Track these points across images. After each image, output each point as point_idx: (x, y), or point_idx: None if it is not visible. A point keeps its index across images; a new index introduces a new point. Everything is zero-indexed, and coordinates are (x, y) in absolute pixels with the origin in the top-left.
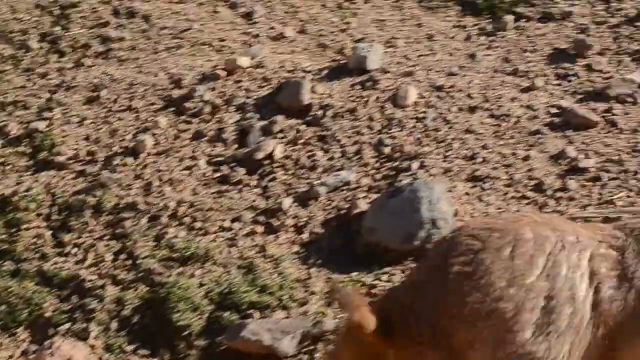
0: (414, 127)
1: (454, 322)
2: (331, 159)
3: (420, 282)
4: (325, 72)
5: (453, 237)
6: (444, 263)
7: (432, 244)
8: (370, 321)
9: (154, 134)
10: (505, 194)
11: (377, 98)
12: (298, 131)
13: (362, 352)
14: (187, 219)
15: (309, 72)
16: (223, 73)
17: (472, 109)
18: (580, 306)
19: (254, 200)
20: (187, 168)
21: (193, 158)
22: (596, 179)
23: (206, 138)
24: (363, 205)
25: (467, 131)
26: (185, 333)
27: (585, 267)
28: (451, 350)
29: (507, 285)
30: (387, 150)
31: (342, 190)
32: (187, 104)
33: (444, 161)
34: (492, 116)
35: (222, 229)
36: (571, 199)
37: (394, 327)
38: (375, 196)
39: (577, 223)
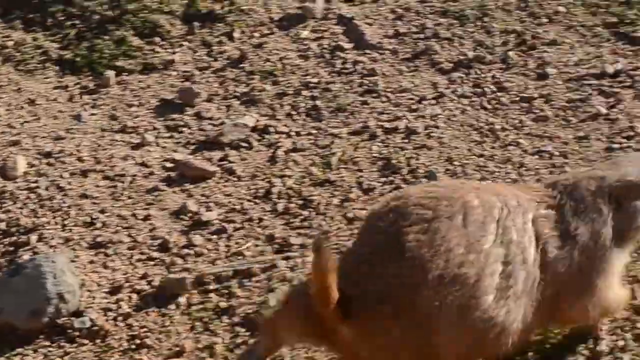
0: (28, 198)
1: (417, 290)
2: None
3: (371, 255)
4: None
5: (398, 207)
6: (395, 233)
7: (369, 213)
8: (334, 294)
9: None
10: (131, 257)
11: None
12: None
13: (310, 324)
14: None
15: None
16: None
17: (84, 173)
18: (531, 269)
19: None
20: None
21: None
22: (221, 231)
23: None
24: None
25: (83, 196)
26: None
27: (530, 230)
28: (414, 320)
29: (466, 252)
30: (2, 225)
31: None
32: None
33: (63, 230)
34: (106, 178)
35: None
36: (199, 254)
37: (350, 303)
38: None
39: (511, 185)
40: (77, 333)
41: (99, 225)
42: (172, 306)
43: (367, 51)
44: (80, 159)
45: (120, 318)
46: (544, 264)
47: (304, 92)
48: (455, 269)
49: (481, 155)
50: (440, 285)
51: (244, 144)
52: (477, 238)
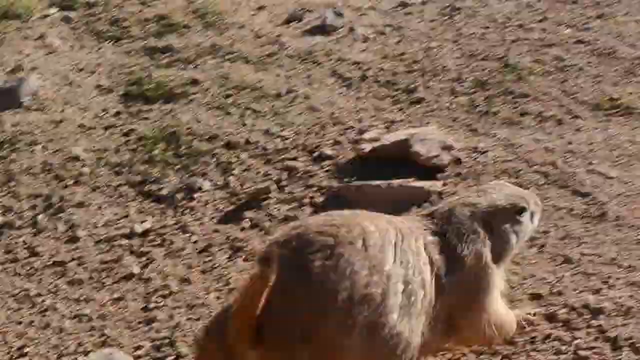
0: None
1: (326, 313)
2: None
3: (280, 283)
4: None
5: (300, 235)
6: (301, 260)
7: (271, 242)
8: (255, 313)
9: None
10: None
11: None
12: None
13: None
14: None
15: None
16: None
17: None
18: (429, 289)
19: None
20: None
21: None
22: None
23: None
24: None
25: None
26: None
27: (424, 254)
28: (321, 344)
29: (370, 274)
30: None
31: None
32: None
33: None
34: None
35: None
36: None
37: (261, 328)
38: None
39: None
40: None
41: None
42: None
43: None
44: None
45: None
46: (438, 286)
47: None
48: (362, 290)
49: (20, 322)
50: (351, 306)
51: None
52: (378, 260)
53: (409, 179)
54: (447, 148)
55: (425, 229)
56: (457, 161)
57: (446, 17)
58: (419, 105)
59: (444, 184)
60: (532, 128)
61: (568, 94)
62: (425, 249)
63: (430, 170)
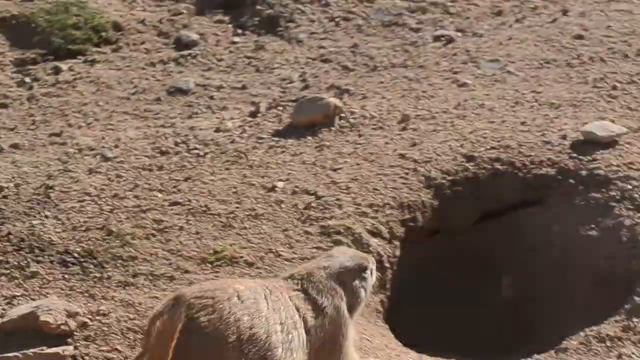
0: None
1: (222, 355)
2: None
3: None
4: None
5: (178, 302)
6: (188, 325)
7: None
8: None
9: None
10: None
11: None
12: None
13: None
14: None
15: None
16: None
17: None
18: (300, 331)
19: None
20: None
21: None
22: None
23: None
24: None
25: None
26: None
27: (291, 304)
28: None
29: (252, 318)
30: None
31: None
32: None
33: None
34: None
35: None
36: None
37: None
38: None
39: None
40: None
41: None
42: None
43: None
44: None
45: None
46: (307, 329)
47: None
48: (249, 331)
49: None
50: (242, 344)
51: None
52: (255, 309)
53: (43, 347)
54: (72, 315)
55: (287, 287)
56: (84, 325)
57: (41, 195)
58: (35, 279)
59: (75, 347)
60: (146, 287)
61: (174, 252)
62: (291, 300)
63: (62, 337)
